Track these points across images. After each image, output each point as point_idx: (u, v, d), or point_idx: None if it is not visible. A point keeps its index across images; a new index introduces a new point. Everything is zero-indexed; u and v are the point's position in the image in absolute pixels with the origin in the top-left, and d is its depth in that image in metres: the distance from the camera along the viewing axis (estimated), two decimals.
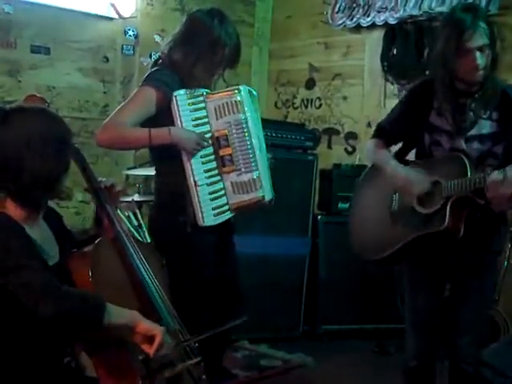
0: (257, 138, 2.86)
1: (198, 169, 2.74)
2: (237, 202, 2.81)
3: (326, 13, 5.33)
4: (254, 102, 2.91)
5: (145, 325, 2.00)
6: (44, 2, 4.56)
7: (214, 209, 2.76)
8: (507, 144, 2.55)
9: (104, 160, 4.72)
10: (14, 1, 4.45)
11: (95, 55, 4.89)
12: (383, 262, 2.75)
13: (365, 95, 5.25)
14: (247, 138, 2.81)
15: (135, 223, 4.11)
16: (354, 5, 5.14)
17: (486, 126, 2.55)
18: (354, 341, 4.57)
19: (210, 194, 2.76)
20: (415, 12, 4.75)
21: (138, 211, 4.19)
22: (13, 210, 1.98)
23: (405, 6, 4.80)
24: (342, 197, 4.64)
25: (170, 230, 2.78)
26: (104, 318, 1.91)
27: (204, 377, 2.32)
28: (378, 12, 4.98)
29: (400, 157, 2.78)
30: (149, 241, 3.14)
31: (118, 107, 2.79)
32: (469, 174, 2.46)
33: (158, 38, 4.76)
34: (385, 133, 2.80)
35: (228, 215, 2.82)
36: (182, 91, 2.74)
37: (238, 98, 2.81)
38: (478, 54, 2.44)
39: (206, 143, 2.75)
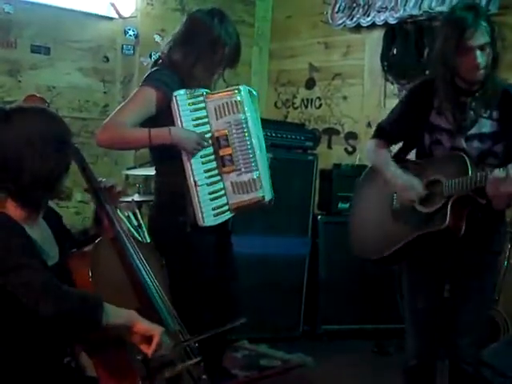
0: (257, 137, 2.86)
1: (198, 169, 2.74)
2: (237, 202, 2.80)
3: (326, 13, 5.32)
4: (253, 102, 2.91)
5: (142, 325, 1.99)
6: (44, 2, 4.56)
7: (213, 209, 2.76)
8: (507, 143, 2.54)
9: (104, 160, 4.73)
10: (14, 1, 4.46)
11: (95, 55, 4.89)
12: (383, 261, 2.75)
13: (365, 95, 5.24)
14: (247, 138, 2.81)
15: (135, 223, 4.10)
16: (354, 5, 5.13)
17: (486, 125, 2.55)
18: (354, 341, 4.57)
19: (210, 194, 2.76)
20: (415, 12, 4.75)
21: (137, 211, 4.19)
22: (13, 210, 1.98)
23: (405, 5, 4.80)
24: (342, 197, 4.64)
25: (169, 230, 2.78)
26: (102, 319, 1.91)
27: (204, 377, 2.32)
28: (378, 12, 4.98)
29: (400, 156, 2.79)
30: (149, 241, 3.14)
31: (118, 107, 2.79)
32: (470, 172, 2.45)
33: (158, 38, 4.76)
34: (385, 133, 2.79)
35: (228, 215, 2.82)
36: (182, 91, 2.73)
37: (238, 98, 2.80)
38: (478, 52, 2.43)
39: (206, 143, 2.75)
